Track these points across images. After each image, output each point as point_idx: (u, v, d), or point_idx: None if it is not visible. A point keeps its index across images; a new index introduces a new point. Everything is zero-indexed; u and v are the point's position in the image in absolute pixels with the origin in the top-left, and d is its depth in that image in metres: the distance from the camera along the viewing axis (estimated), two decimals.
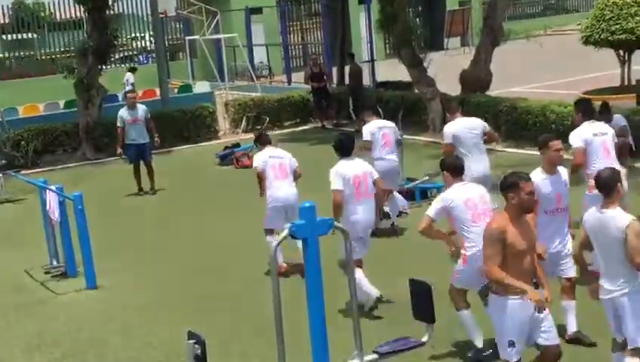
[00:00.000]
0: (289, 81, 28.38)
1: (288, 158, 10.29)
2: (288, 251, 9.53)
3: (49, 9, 37.66)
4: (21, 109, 23.40)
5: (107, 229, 12.56)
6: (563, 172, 7.57)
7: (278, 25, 31.09)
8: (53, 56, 32.99)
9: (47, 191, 10.84)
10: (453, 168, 7.54)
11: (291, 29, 34.73)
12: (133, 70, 28.12)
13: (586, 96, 19.71)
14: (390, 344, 6.48)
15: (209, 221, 13.17)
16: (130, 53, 36.50)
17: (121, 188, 15.68)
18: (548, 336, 6.14)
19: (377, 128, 11.61)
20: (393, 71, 22.61)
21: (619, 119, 12.62)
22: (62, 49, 34.32)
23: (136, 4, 34.52)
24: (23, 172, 16.26)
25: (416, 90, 19.74)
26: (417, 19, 37.72)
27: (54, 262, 11.16)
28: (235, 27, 32.06)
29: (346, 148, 8.95)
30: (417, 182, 13.13)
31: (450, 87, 19.21)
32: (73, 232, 10.51)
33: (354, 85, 21.38)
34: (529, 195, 6.06)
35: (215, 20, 29.09)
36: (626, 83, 20.74)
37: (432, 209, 7.33)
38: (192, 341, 5.59)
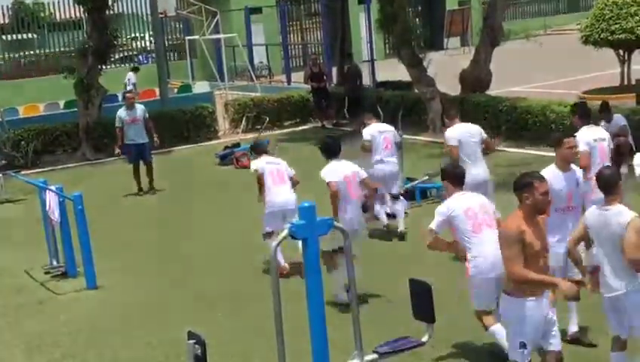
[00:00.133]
0: (289, 81, 28.36)
1: (284, 165, 10.35)
2: (288, 251, 9.53)
3: (49, 9, 37.59)
4: (21, 109, 23.44)
5: (107, 229, 12.57)
6: (576, 170, 7.54)
7: (278, 25, 31.05)
8: (53, 56, 32.93)
9: (47, 191, 10.84)
10: (454, 177, 7.50)
11: (291, 28, 34.68)
12: (135, 70, 28.02)
13: (586, 95, 19.80)
14: (390, 344, 6.50)
15: (209, 221, 13.17)
16: (130, 53, 36.45)
17: (121, 189, 15.68)
18: (554, 342, 6.09)
19: (378, 132, 11.61)
20: (393, 71, 22.61)
21: (619, 119, 12.66)
22: (62, 49, 34.25)
23: (136, 4, 34.46)
24: (22, 172, 16.29)
25: (416, 90, 19.75)
26: (417, 19, 37.69)
27: (54, 263, 11.17)
28: (235, 27, 32.03)
29: (332, 150, 9.16)
30: (417, 181, 13.14)
31: (450, 86, 19.21)
32: (73, 232, 10.52)
33: (351, 85, 21.37)
34: (543, 196, 5.96)
35: (215, 20, 29.05)
36: (625, 82, 20.74)
37: (435, 222, 7.25)
38: (192, 341, 5.59)
